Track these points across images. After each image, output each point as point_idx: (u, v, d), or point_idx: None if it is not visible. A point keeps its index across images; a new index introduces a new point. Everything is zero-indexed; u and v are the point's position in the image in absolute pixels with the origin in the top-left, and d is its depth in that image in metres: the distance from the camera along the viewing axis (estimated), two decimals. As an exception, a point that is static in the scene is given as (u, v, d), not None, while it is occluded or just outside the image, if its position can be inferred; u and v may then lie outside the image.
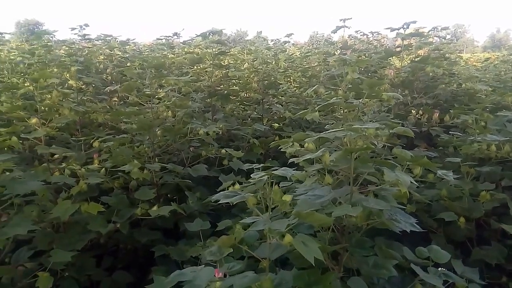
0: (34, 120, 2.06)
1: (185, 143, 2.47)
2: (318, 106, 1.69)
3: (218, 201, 2.22)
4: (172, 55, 4.22)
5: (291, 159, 1.69)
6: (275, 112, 3.46)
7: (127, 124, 2.42)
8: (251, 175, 1.92)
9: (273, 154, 3.12)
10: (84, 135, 2.82)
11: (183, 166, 2.38)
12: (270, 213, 1.16)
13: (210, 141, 2.51)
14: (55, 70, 3.07)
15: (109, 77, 3.27)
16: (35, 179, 1.75)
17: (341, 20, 3.90)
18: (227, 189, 2.00)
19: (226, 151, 2.46)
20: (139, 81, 2.18)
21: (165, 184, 2.34)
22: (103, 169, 2.19)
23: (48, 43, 3.89)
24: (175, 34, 4.28)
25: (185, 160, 2.47)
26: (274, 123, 3.42)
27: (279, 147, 1.82)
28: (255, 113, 3.33)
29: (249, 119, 3.24)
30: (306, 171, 1.38)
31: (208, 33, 2.63)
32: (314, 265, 0.99)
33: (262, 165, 1.91)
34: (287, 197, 1.14)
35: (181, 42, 4.60)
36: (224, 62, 3.53)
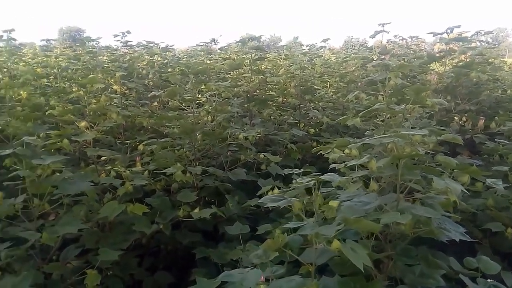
0: (83, 124, 2.15)
1: (224, 147, 2.51)
2: (361, 112, 1.67)
3: (257, 205, 2.26)
4: (209, 61, 4.31)
5: (331, 165, 1.69)
6: (311, 118, 3.46)
7: (169, 128, 2.49)
8: (293, 180, 1.94)
9: (309, 159, 3.11)
10: (126, 138, 2.92)
11: (222, 170, 2.42)
12: (316, 218, 1.16)
13: (249, 145, 2.54)
14: (100, 75, 3.20)
15: (150, 83, 3.37)
16: (84, 180, 1.83)
17: (380, 24, 3.85)
18: (266, 194, 2.03)
19: (264, 155, 2.48)
20: (182, 87, 2.24)
21: (205, 187, 2.38)
22: (146, 171, 2.26)
23: (93, 50, 4.05)
24: (213, 40, 4.37)
25: (224, 164, 2.51)
26: (310, 128, 3.41)
27: (317, 153, 1.83)
28: (292, 118, 3.34)
29: (286, 124, 3.25)
30: (351, 178, 1.37)
31: (247, 39, 2.67)
32: (362, 271, 0.98)
33: (302, 170, 1.92)
34: (334, 203, 1.14)
35: (218, 49, 4.69)
36: (261, 68, 3.56)
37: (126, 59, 4.06)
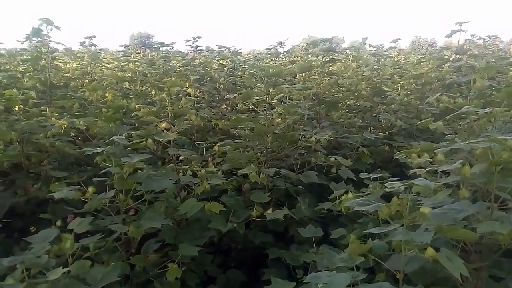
0: (163, 125, 2.27)
1: (294, 149, 2.52)
2: (450, 115, 1.60)
3: (328, 208, 2.24)
4: (274, 64, 4.35)
5: (412, 170, 1.63)
6: (381, 121, 3.36)
7: (241, 130, 2.55)
8: (369, 185, 1.90)
9: (380, 163, 3.03)
10: (198, 139, 3.03)
11: (292, 172, 2.42)
12: (405, 224, 1.12)
13: (319, 148, 2.52)
14: (173, 79, 3.35)
15: (221, 86, 3.47)
16: (166, 177, 1.93)
17: (456, 23, 3.66)
18: (339, 198, 2.01)
19: (336, 159, 2.45)
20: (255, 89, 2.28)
21: (275, 189, 2.40)
22: (220, 171, 2.34)
23: (167, 55, 4.26)
24: (280, 43, 4.41)
25: (294, 166, 2.52)
26: (380, 131, 3.31)
27: (388, 157, 1.77)
28: (361, 121, 3.27)
29: (356, 127, 3.19)
30: (439, 184, 1.31)
31: (318, 41, 2.66)
32: (462, 281, 0.93)
33: (379, 175, 1.87)
34: (426, 209, 1.10)
35: (285, 51, 4.72)
36: (330, 70, 3.53)
37: (196, 63, 4.22)
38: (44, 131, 2.63)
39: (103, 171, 1.85)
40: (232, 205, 2.11)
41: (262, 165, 2.41)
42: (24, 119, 2.57)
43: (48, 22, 3.08)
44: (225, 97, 2.59)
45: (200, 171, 2.26)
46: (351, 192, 1.92)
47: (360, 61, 3.67)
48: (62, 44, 3.32)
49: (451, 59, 3.85)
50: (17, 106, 2.76)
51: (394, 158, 1.66)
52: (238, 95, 2.31)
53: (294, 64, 3.06)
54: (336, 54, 3.69)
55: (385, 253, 1.34)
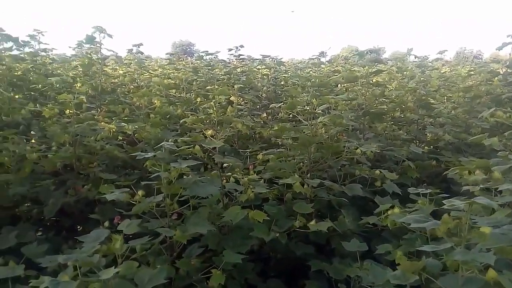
0: (209, 132, 2.31)
1: (338, 161, 2.49)
2: (508, 132, 1.53)
3: (372, 223, 2.19)
4: (316, 74, 4.34)
5: (464, 187, 1.57)
6: (426, 134, 3.27)
7: (284, 139, 2.55)
8: (416, 200, 1.85)
9: (425, 178, 2.94)
10: (239, 146, 3.06)
11: (335, 184, 2.40)
12: (463, 243, 1.09)
13: (364, 160, 2.48)
14: (217, 87, 3.41)
15: (263, 95, 3.50)
16: (212, 184, 1.96)
17: (508, 36, 3.51)
18: (384, 213, 1.96)
19: (381, 172, 2.40)
20: (301, 99, 2.28)
21: (318, 200, 2.38)
22: (262, 179, 2.35)
23: (211, 63, 4.35)
24: (322, 53, 4.40)
25: (337, 177, 2.49)
26: (425, 145, 3.22)
27: (434, 172, 1.71)
28: (406, 134, 3.19)
29: (400, 140, 3.11)
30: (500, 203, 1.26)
31: (365, 52, 2.63)
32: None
33: (429, 190, 1.81)
34: (486, 229, 1.06)
35: (326, 61, 4.71)
36: (373, 80, 3.48)
37: (238, 72, 4.28)
38: (94, 134, 2.74)
39: (152, 175, 1.90)
40: (275, 214, 2.11)
41: (304, 175, 2.40)
42: (76, 123, 2.69)
43: (101, 30, 3.22)
44: (270, 106, 2.61)
45: (243, 178, 2.29)
46: (398, 207, 1.87)
47: (405, 73, 3.60)
48: (113, 51, 3.46)
49: (501, 72, 3.70)
50: (69, 110, 2.91)
51: (444, 174, 1.62)
52: (283, 104, 2.32)
53: (339, 75, 3.03)
54: (381, 65, 3.63)
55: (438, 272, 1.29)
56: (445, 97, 3.59)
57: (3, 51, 3.40)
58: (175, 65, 4.42)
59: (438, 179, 2.88)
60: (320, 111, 2.49)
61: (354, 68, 3.73)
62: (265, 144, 3.05)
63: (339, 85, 3.45)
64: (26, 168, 2.39)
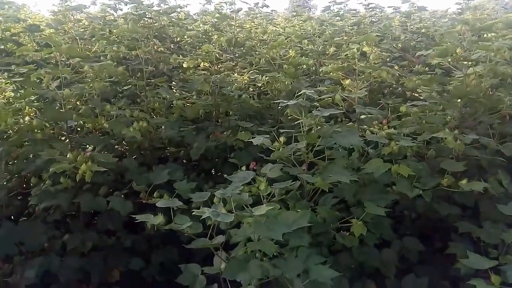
0: (347, 81, 2.23)
1: (492, 117, 2.21)
2: None
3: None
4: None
5: None
6: None
7: (425, 92, 2.35)
8: None
9: None
10: (374, 97, 2.92)
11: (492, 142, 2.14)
12: None
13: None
14: (345, 38, 3.26)
15: (399, 45, 3.24)
16: (353, 134, 1.90)
17: None
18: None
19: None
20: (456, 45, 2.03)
21: (467, 158, 2.17)
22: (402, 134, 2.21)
23: (339, 13, 4.16)
24: (468, -2, 3.85)
25: (490, 136, 2.22)
26: None
27: None
28: None
29: None
30: None
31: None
32: None
33: None
34: None
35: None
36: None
37: (367, 22, 4.03)
38: (231, 84, 2.87)
39: (285, 125, 1.91)
40: (419, 171, 1.98)
41: (451, 131, 2.19)
42: (215, 73, 2.84)
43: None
44: (416, 54, 2.40)
45: (380, 132, 2.18)
46: None
47: None
48: (247, 3, 3.50)
49: None
50: (204, 63, 3.07)
51: None
52: (432, 51, 2.10)
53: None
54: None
55: None
56: None
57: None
58: (301, 16, 4.33)
59: None
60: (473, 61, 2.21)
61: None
62: (399, 98, 2.86)
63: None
64: (175, 113, 2.61)
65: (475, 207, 2.08)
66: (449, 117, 2.13)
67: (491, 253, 1.75)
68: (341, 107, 2.04)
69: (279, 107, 3.01)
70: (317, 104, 2.20)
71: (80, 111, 2.29)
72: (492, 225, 1.86)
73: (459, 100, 2.19)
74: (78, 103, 2.42)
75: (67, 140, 2.25)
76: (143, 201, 2.15)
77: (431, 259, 2.18)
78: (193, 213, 1.54)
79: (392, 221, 2.13)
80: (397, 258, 2.05)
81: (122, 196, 2.26)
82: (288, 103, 1.92)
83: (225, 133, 2.59)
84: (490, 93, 2.29)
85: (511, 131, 2.19)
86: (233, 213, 1.55)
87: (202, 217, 1.52)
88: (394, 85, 3.11)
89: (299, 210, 1.79)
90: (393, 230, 2.28)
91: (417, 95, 2.77)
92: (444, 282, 1.99)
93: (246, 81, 3.07)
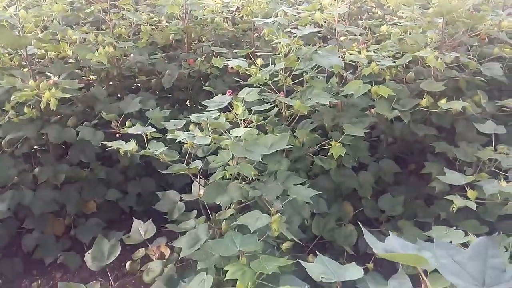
0: (327, 1, 2.10)
1: (473, 37, 2.16)
2: None
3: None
4: None
5: None
6: None
7: (407, 13, 2.25)
8: None
9: None
10: (353, 22, 2.80)
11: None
12: None
13: (504, 38, 2.12)
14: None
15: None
16: (333, 55, 1.82)
17: None
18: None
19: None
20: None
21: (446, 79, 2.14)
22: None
23: None
24: None
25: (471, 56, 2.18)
26: None
27: None
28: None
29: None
30: None
31: None
32: None
33: None
34: None
35: None
36: None
37: None
38: (202, 8, 2.68)
39: (270, 43, 1.81)
40: (398, 92, 1.94)
41: (432, 52, 2.13)
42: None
43: None
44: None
45: (360, 54, 2.11)
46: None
47: None
48: None
49: None
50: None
51: None
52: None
53: None
54: None
55: None
56: None
57: None
58: None
59: None
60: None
61: None
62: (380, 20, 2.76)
63: None
64: (144, 37, 2.44)
65: (451, 128, 2.10)
66: (429, 38, 2.06)
67: (467, 171, 1.79)
68: (321, 26, 1.93)
69: (255, 33, 2.87)
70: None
71: (39, 36, 2.10)
72: (468, 144, 1.88)
73: (440, 21, 2.12)
74: (37, 30, 2.22)
75: (28, 69, 2.08)
76: (115, 131, 2.06)
77: (406, 180, 2.23)
78: (167, 137, 1.47)
79: (369, 145, 2.13)
80: (373, 179, 2.08)
81: (93, 127, 2.16)
82: (265, 20, 1.80)
83: (198, 59, 2.46)
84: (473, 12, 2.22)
85: (490, 53, 2.15)
86: (210, 136, 1.50)
87: (177, 141, 1.46)
88: (374, 8, 2.99)
89: (277, 135, 1.75)
90: (370, 154, 2.30)
91: (397, 18, 2.68)
92: (419, 201, 2.05)
93: (219, 4, 2.89)
